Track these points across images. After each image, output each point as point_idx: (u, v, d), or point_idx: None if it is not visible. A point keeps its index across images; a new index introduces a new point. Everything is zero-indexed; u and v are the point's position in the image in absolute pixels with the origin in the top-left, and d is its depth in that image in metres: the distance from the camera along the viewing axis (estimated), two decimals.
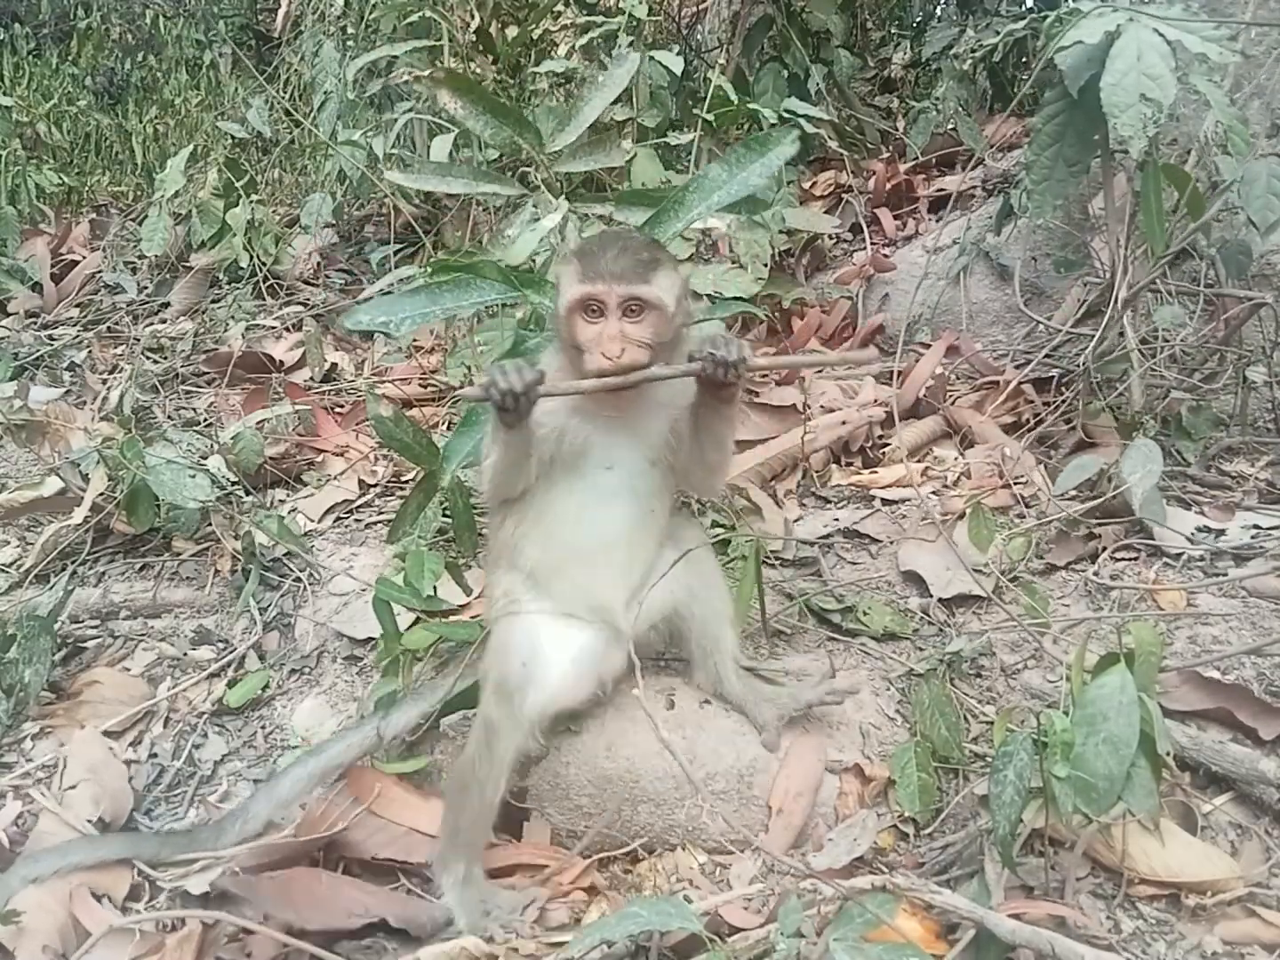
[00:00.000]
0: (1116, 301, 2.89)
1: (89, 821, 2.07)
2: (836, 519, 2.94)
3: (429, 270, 2.25)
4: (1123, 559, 2.60)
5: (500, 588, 2.04)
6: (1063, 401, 3.15)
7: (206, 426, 3.70)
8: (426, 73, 2.61)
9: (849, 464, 3.29)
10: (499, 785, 1.92)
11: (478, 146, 3.81)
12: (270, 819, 2.02)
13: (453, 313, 2.31)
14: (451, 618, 2.40)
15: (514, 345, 2.31)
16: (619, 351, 1.81)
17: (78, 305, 4.86)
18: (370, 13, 4.97)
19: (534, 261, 2.61)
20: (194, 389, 4.08)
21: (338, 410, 3.77)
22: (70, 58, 7.54)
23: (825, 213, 4.57)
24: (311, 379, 3.97)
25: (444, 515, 2.63)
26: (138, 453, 2.75)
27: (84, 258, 5.13)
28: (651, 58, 3.99)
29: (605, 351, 1.81)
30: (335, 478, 3.32)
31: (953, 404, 3.42)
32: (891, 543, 2.81)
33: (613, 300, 1.83)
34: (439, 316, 2.24)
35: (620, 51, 2.81)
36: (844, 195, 4.74)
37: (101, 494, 2.84)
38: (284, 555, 2.87)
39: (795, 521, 2.94)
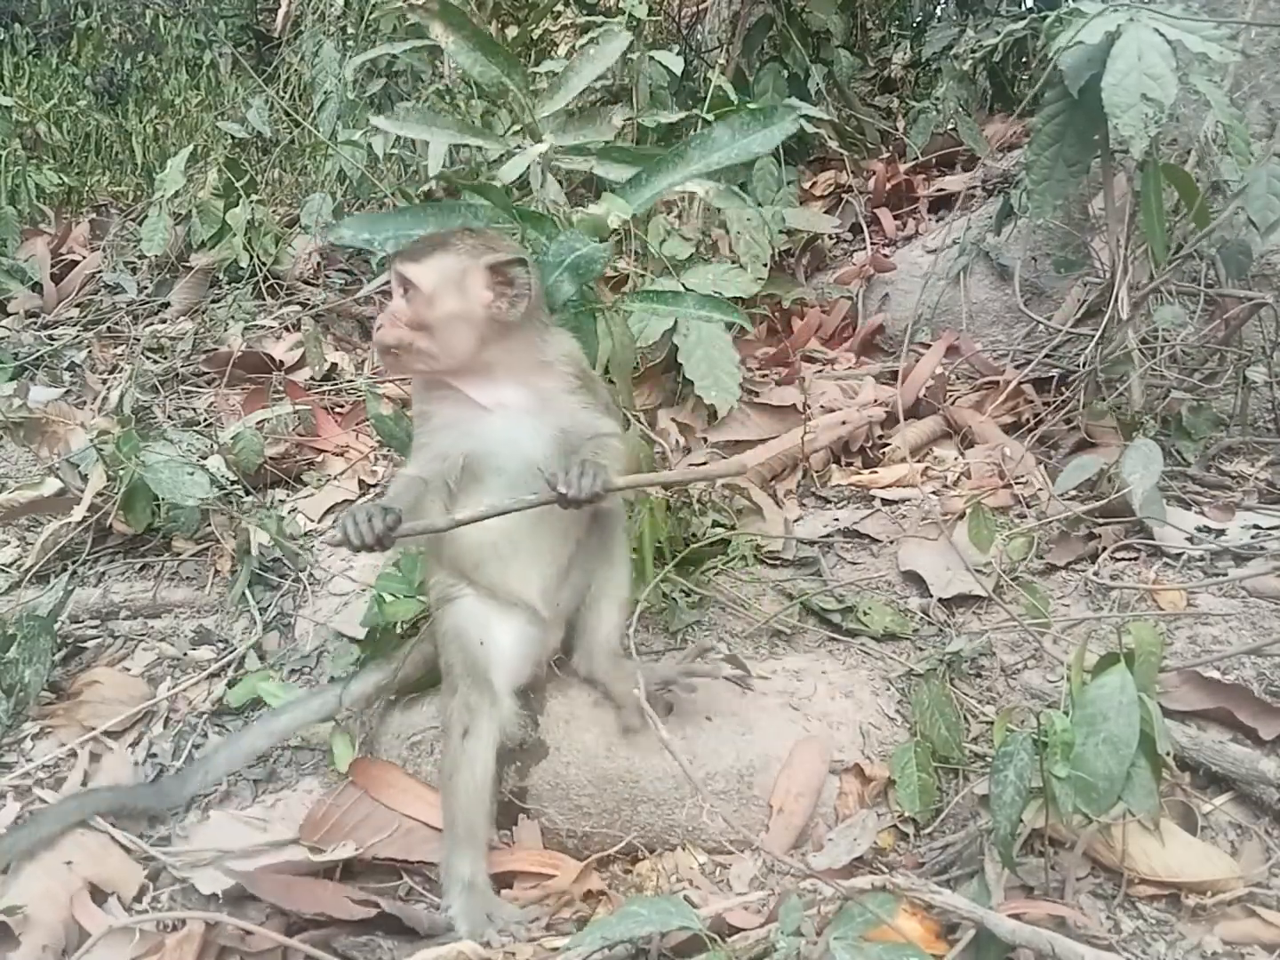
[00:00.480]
0: (1117, 301, 2.89)
1: None
2: (836, 519, 2.94)
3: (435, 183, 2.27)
4: (1123, 559, 2.59)
5: (434, 577, 2.08)
6: (1063, 401, 3.15)
7: (206, 426, 3.70)
8: (420, 2, 2.57)
9: (849, 464, 3.29)
10: (489, 768, 1.94)
11: (476, 150, 3.81)
12: (229, 771, 2.12)
13: None
14: None
15: None
16: (389, 325, 1.93)
17: (78, 305, 4.85)
18: (370, 12, 4.97)
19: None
20: (194, 389, 4.08)
21: (338, 410, 3.77)
22: (70, 58, 7.53)
23: (825, 213, 4.57)
24: (312, 378, 3.97)
25: None
26: (134, 449, 2.75)
27: (84, 258, 5.12)
28: (651, 58, 3.99)
29: (380, 322, 1.95)
30: (335, 478, 3.31)
31: (953, 404, 3.42)
32: (891, 543, 2.81)
33: (395, 278, 1.96)
34: None
35: (610, 30, 2.79)
36: (844, 195, 4.74)
37: (100, 493, 2.84)
38: (284, 555, 2.86)
39: (795, 521, 2.94)
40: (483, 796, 1.94)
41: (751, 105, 2.33)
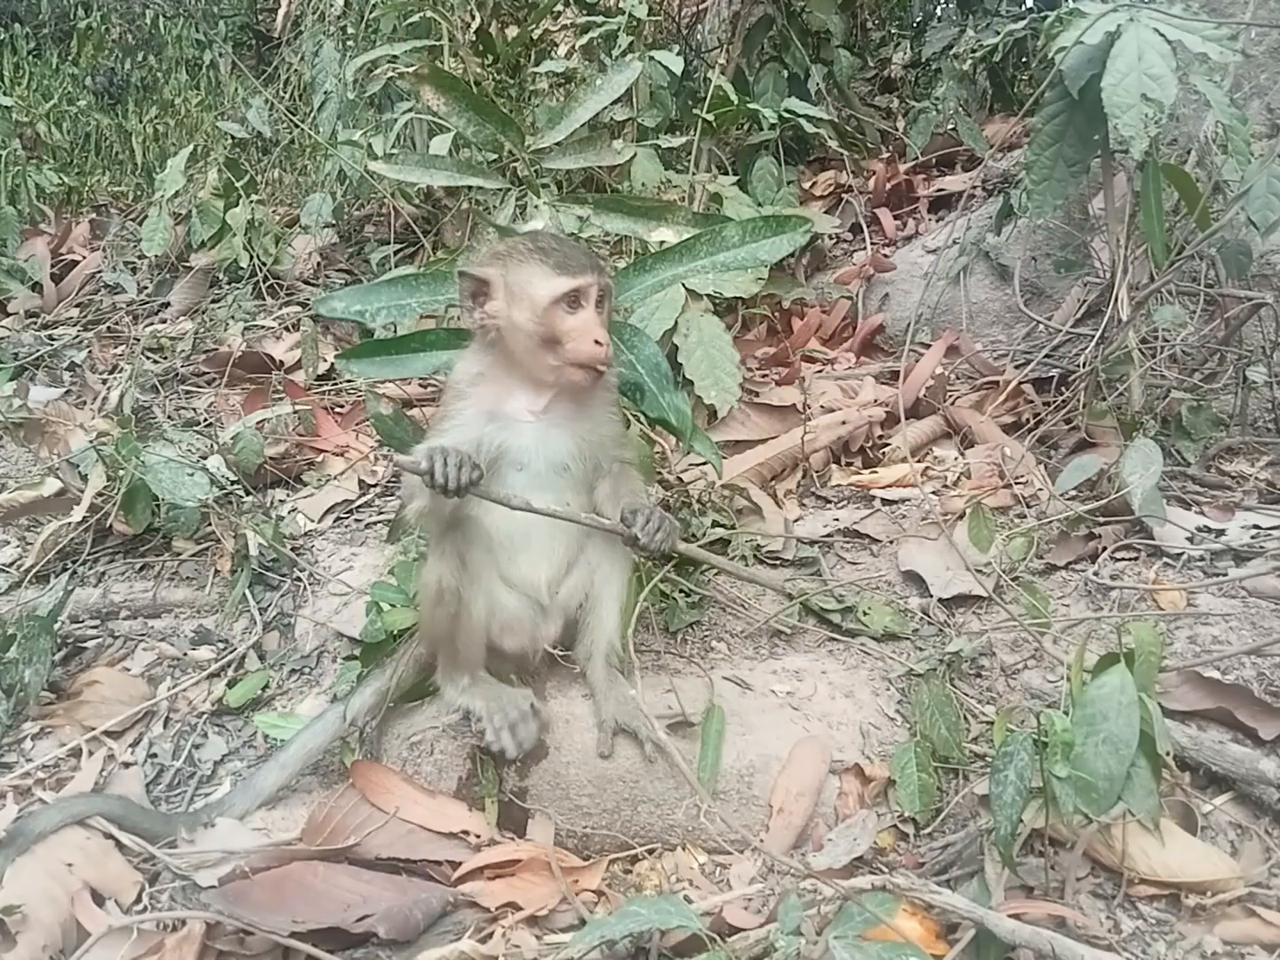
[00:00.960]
0: (1117, 301, 2.89)
1: None
2: (836, 519, 2.94)
3: (428, 269, 2.28)
4: (1123, 559, 2.60)
5: (433, 574, 2.06)
6: (1063, 401, 3.15)
7: (206, 426, 3.70)
8: (411, 69, 2.60)
9: (849, 464, 3.29)
10: (481, 611, 2.03)
11: (477, 147, 3.81)
12: (244, 814, 2.08)
13: (428, 306, 2.35)
14: None
15: None
16: (606, 338, 1.94)
17: (78, 305, 4.85)
18: (370, 13, 4.97)
19: None
20: (194, 389, 4.08)
21: (338, 410, 3.77)
22: (70, 58, 7.53)
23: (825, 213, 4.57)
24: (307, 378, 3.96)
25: None
26: (133, 450, 2.75)
27: (84, 258, 5.12)
28: (651, 58, 3.99)
29: (598, 338, 1.93)
30: (335, 478, 3.31)
31: (953, 404, 3.42)
32: (891, 543, 2.81)
33: (594, 290, 1.95)
34: (414, 310, 2.29)
35: (623, 59, 2.82)
36: (844, 195, 4.74)
37: (100, 493, 2.84)
38: (281, 558, 2.86)
39: (795, 521, 2.94)
40: (480, 633, 2.05)
41: (765, 217, 2.38)
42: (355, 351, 2.32)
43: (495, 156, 2.85)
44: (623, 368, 2.29)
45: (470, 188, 3.72)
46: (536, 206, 2.68)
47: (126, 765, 2.29)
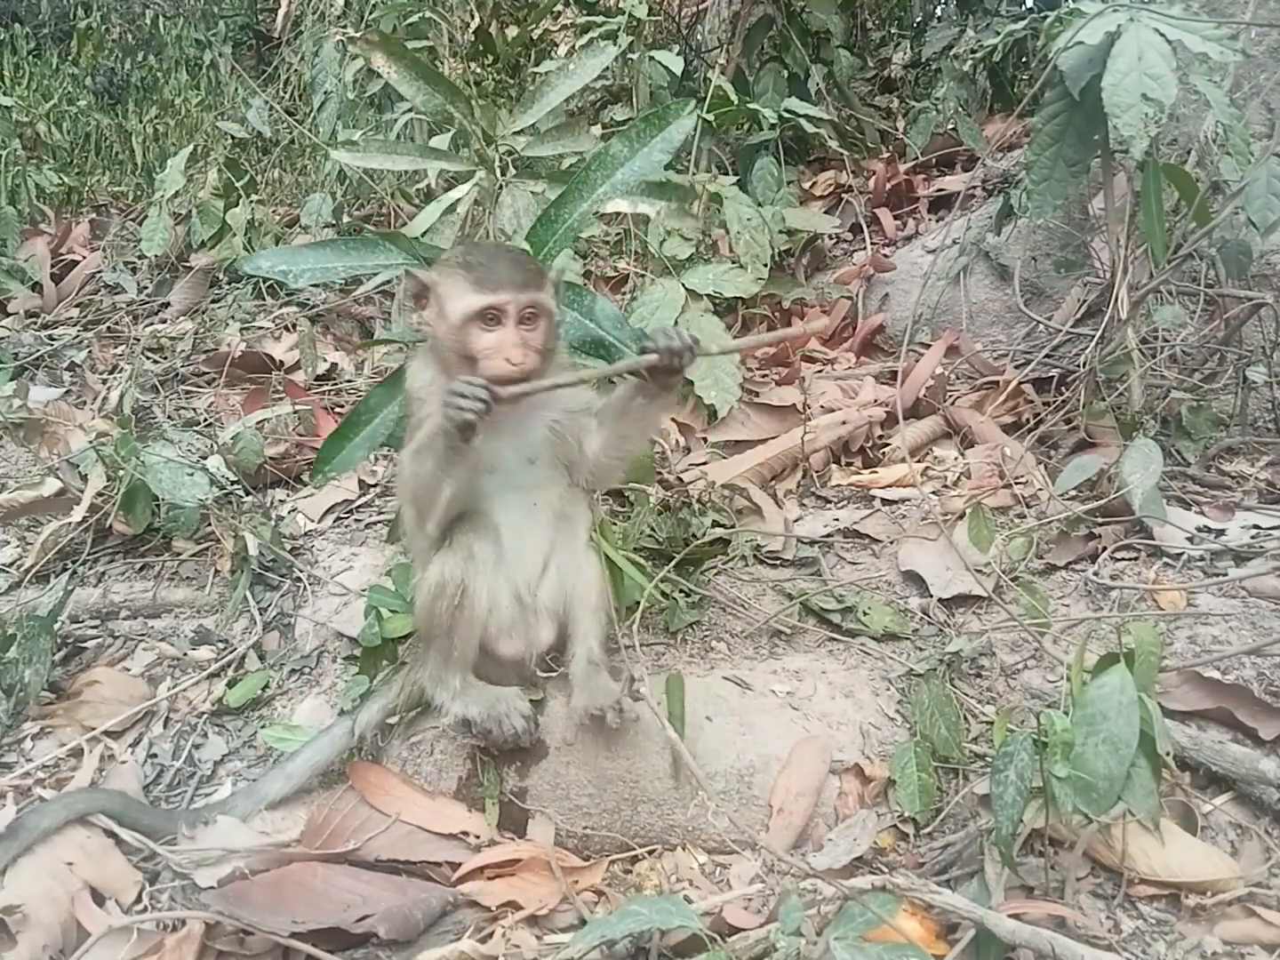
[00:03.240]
0: (1117, 301, 2.89)
1: None
2: (836, 519, 2.94)
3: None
4: (1123, 559, 2.60)
5: (438, 566, 2.05)
6: (1063, 401, 3.15)
7: (206, 426, 3.70)
8: (359, 35, 2.56)
9: (849, 464, 3.29)
10: (483, 605, 2.03)
11: (467, 141, 3.81)
12: (246, 816, 2.08)
13: (354, 272, 2.31)
14: None
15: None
16: (522, 357, 1.90)
17: (78, 305, 4.85)
18: (370, 13, 4.97)
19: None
20: (194, 389, 4.08)
21: (338, 410, 3.76)
22: (70, 58, 7.53)
23: (825, 213, 4.57)
24: (305, 378, 3.96)
25: None
26: (132, 450, 2.75)
27: (84, 258, 5.12)
28: (651, 58, 3.99)
29: (510, 358, 1.90)
30: (335, 478, 3.31)
31: (953, 404, 3.42)
32: (891, 543, 2.81)
33: (514, 308, 1.91)
34: (340, 274, 2.25)
35: (597, 44, 2.78)
36: (844, 195, 4.74)
37: (100, 493, 2.84)
38: (280, 559, 2.86)
39: (795, 521, 2.94)
40: (478, 630, 2.05)
41: (646, 113, 2.30)
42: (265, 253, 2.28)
43: (488, 143, 2.82)
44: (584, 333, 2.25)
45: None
46: (479, 181, 2.62)
47: (125, 764, 2.29)
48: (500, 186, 2.60)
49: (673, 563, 2.53)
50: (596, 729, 2.06)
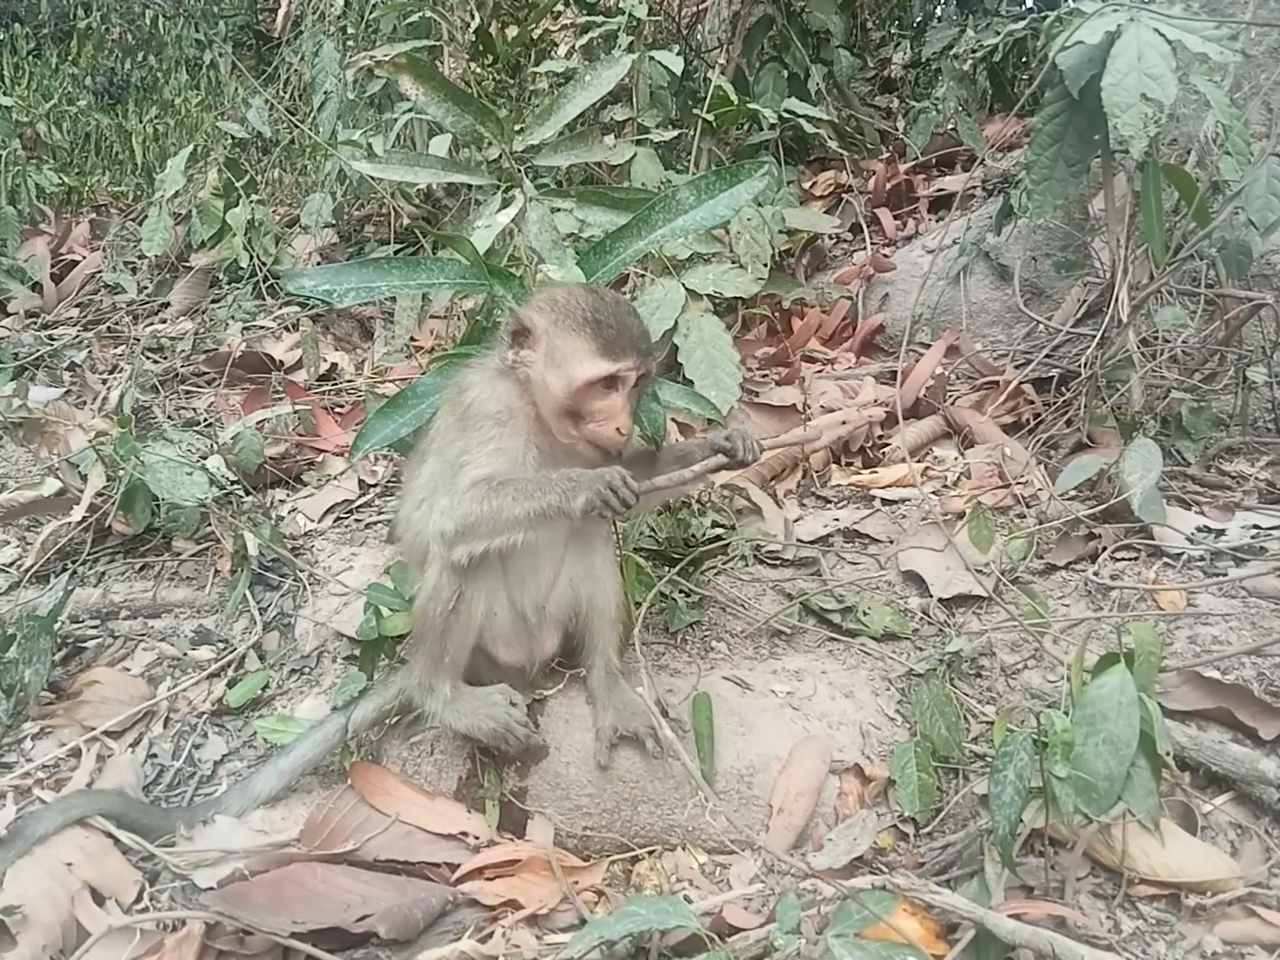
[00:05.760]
0: (1117, 302, 2.89)
1: None
2: (836, 519, 2.94)
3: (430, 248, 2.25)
4: (1123, 559, 2.60)
5: (430, 580, 2.05)
6: (1063, 402, 3.15)
7: (206, 426, 3.70)
8: (387, 57, 2.56)
9: (849, 464, 3.29)
10: (479, 612, 2.02)
11: (477, 147, 3.81)
12: (240, 813, 2.08)
13: (398, 290, 2.33)
14: None
15: (470, 334, 2.36)
16: (629, 426, 1.92)
17: (78, 305, 4.85)
18: (370, 13, 4.97)
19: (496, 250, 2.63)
20: (194, 389, 4.08)
21: (338, 410, 3.77)
22: (70, 58, 7.54)
23: (825, 213, 4.57)
24: (308, 379, 3.97)
25: None
26: (132, 449, 2.75)
27: (84, 258, 5.13)
28: (651, 58, 3.99)
29: (620, 427, 1.91)
30: (335, 478, 3.31)
31: (953, 404, 3.42)
32: (891, 543, 2.81)
33: (634, 376, 1.92)
34: (383, 292, 2.26)
35: (615, 54, 2.79)
36: (844, 195, 4.74)
37: (100, 493, 2.84)
38: (281, 558, 2.86)
39: (795, 521, 2.94)
40: (473, 636, 2.04)
41: (718, 169, 2.30)
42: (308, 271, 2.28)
43: (496, 156, 2.83)
44: None
45: (470, 187, 3.71)
46: (517, 198, 2.63)
47: (124, 763, 2.28)
48: (528, 201, 2.59)
49: (677, 566, 2.53)
50: (627, 748, 2.06)
